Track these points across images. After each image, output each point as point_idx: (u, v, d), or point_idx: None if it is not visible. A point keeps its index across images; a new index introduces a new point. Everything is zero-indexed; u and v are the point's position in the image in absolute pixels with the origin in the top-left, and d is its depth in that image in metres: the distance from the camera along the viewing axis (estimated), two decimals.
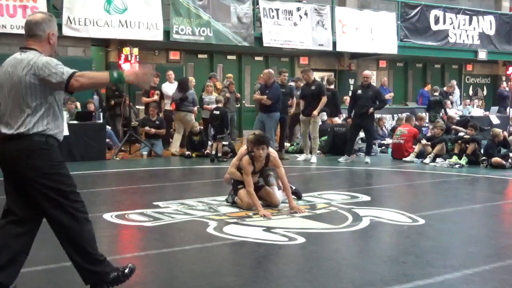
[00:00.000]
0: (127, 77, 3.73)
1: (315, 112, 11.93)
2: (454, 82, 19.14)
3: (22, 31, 13.79)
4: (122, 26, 13.68)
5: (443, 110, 16.00)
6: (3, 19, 12.38)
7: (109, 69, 15.26)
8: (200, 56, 17.50)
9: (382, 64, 20.58)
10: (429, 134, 13.11)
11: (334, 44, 17.13)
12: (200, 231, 5.79)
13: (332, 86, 14.84)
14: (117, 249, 5.46)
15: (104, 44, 15.13)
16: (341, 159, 12.07)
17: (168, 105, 13.53)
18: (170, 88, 13.62)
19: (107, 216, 6.32)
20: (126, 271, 3.90)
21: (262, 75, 11.76)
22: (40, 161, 3.61)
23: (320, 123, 14.22)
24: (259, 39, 15.88)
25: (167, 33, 14.42)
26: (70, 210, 3.67)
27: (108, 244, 5.52)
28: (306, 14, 16.53)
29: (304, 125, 12.46)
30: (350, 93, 15.15)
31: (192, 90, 13.22)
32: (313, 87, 12.05)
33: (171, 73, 13.95)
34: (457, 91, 19.43)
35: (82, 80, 3.57)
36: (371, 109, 11.79)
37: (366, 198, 7.72)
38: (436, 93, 17.08)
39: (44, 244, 4.58)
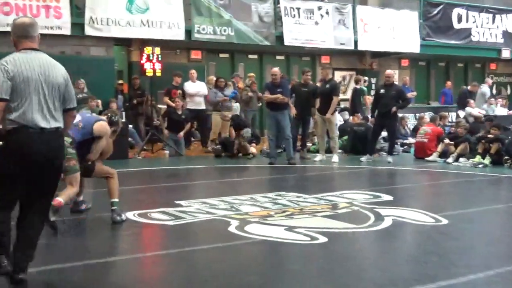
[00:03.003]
0: None
1: (328, 115, 11.83)
2: (487, 83, 18.71)
3: (45, 31, 13.82)
4: (144, 25, 13.73)
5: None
6: None
7: (131, 68, 15.38)
8: (221, 55, 17.50)
9: (404, 63, 20.37)
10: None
11: (356, 43, 17.03)
12: (222, 230, 5.80)
13: (358, 86, 14.75)
14: (139, 247, 5.51)
15: (126, 43, 15.20)
16: (363, 158, 11.98)
17: (190, 104, 13.56)
18: (192, 87, 13.68)
19: (130, 215, 6.35)
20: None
21: (275, 74, 11.59)
22: None
23: (343, 122, 14.20)
24: (280, 38, 15.83)
25: (188, 32, 14.44)
26: None
27: (130, 243, 5.57)
28: (327, 13, 16.45)
29: (320, 124, 12.23)
30: (372, 92, 15.05)
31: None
32: (327, 86, 11.92)
33: (193, 72, 13.96)
34: (487, 90, 18.84)
35: None
36: (394, 108, 11.69)
37: (388, 197, 7.66)
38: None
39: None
